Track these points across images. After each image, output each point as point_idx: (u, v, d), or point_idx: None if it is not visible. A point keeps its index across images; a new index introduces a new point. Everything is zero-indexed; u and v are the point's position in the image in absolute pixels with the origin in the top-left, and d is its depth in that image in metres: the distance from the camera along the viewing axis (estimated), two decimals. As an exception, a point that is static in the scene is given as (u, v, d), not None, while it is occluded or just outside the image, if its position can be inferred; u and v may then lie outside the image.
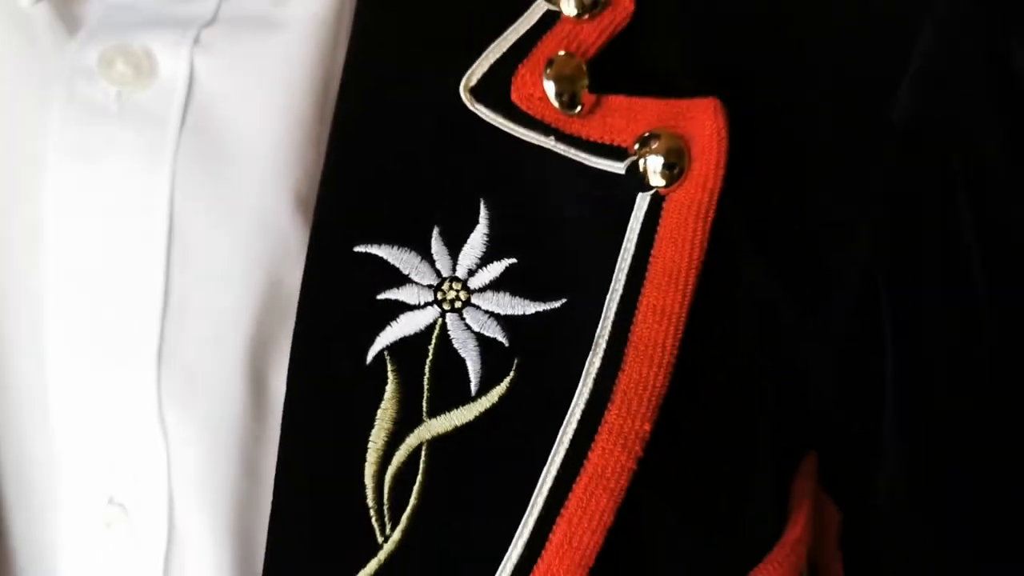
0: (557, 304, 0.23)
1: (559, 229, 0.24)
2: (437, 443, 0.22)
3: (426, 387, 0.23)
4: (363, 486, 0.22)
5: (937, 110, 0.26)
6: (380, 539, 0.22)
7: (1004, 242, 0.26)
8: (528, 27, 0.25)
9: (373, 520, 0.22)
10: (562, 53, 0.24)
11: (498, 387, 0.23)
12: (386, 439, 0.22)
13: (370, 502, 0.22)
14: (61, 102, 0.25)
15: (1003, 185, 0.26)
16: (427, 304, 0.23)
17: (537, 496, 0.22)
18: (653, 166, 0.24)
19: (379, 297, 0.23)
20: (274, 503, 0.23)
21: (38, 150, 0.25)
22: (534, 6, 0.25)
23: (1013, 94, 0.26)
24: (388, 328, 0.23)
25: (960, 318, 0.27)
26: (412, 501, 0.22)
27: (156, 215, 0.24)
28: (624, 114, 0.24)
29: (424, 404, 0.23)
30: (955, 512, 0.28)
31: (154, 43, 0.25)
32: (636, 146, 0.24)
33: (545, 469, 0.22)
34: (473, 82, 0.24)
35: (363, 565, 0.22)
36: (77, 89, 0.25)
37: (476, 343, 0.23)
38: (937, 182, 0.26)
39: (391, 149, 0.24)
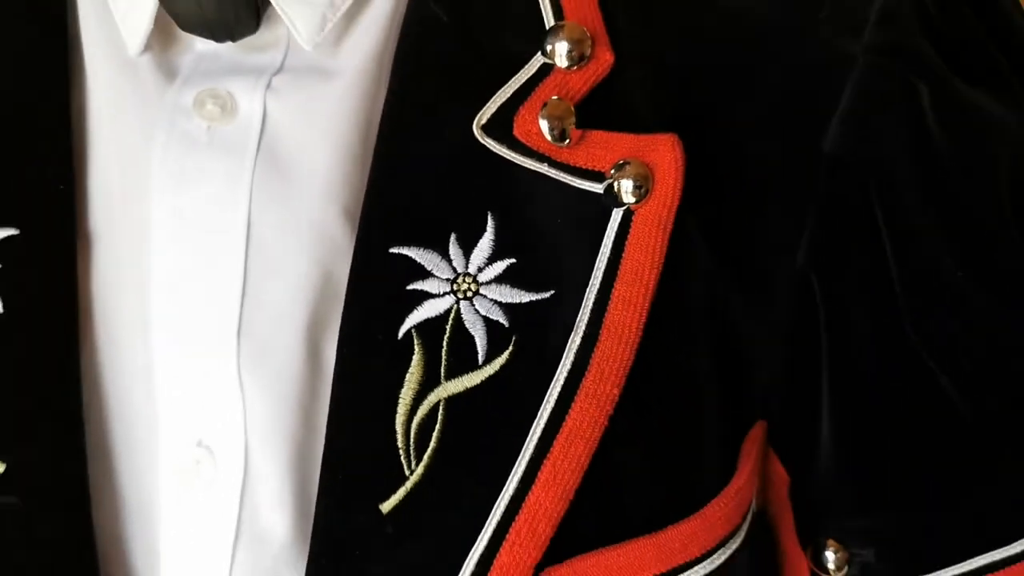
0: (547, 295, 0.29)
1: (549, 236, 0.30)
2: (452, 400, 0.29)
3: (444, 357, 0.29)
4: (394, 432, 0.28)
5: (859, 144, 0.31)
6: (407, 472, 0.28)
7: (913, 247, 0.32)
8: (528, 76, 0.31)
9: (402, 458, 0.28)
10: (555, 98, 0.30)
11: (499, 358, 0.29)
12: (412, 396, 0.29)
13: (399, 444, 0.28)
14: (164, 133, 0.31)
15: (911, 205, 0.31)
16: (445, 293, 0.29)
17: (528, 443, 0.28)
18: (625, 187, 0.30)
19: (408, 287, 0.29)
20: (326, 445, 0.29)
21: (144, 172, 0.32)
22: (534, 59, 0.31)
23: (921, 129, 0.31)
24: (415, 311, 0.29)
25: (878, 307, 0.32)
26: (432, 444, 0.28)
27: (237, 223, 0.30)
28: (603, 146, 0.30)
29: (442, 370, 0.29)
30: (874, 471, 0.34)
31: (236, 88, 0.31)
32: (612, 171, 0.30)
33: (535, 422, 0.29)
34: (484, 121, 0.30)
35: (394, 491, 0.28)
36: (177, 123, 0.31)
37: (483, 324, 0.29)
38: (859, 202, 0.31)
39: (419, 173, 0.30)
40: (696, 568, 0.30)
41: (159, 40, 0.32)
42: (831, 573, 0.35)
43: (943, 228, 0.31)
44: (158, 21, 0.31)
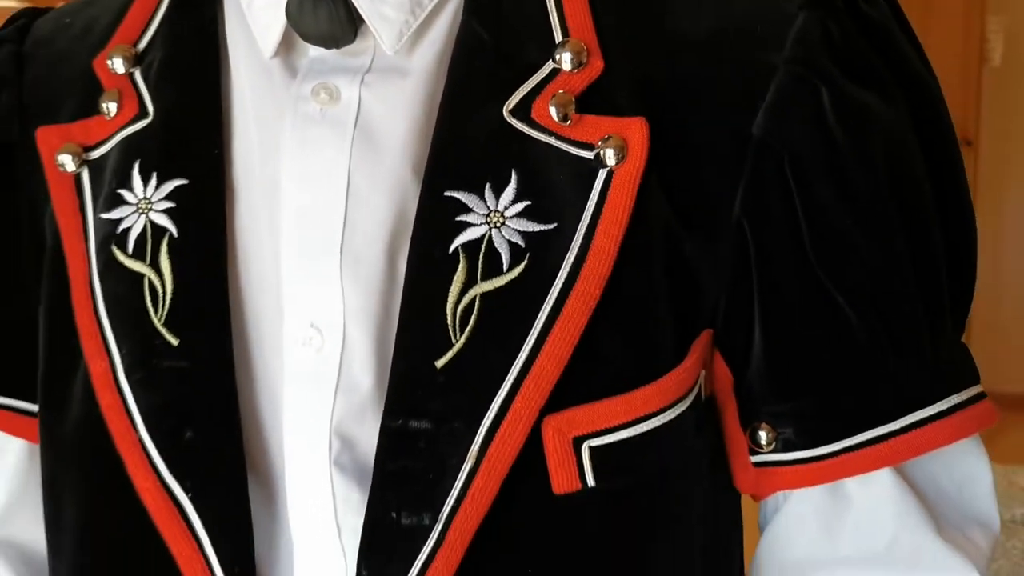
0: (552, 226, 0.42)
1: (554, 187, 0.43)
2: (485, 295, 0.42)
3: (480, 266, 0.42)
4: (444, 315, 0.42)
5: (778, 130, 0.43)
6: (454, 341, 0.41)
7: (816, 204, 0.43)
8: (542, 77, 0.43)
9: (450, 332, 0.42)
10: (561, 91, 0.43)
11: (518, 268, 0.42)
12: (458, 292, 0.42)
13: (448, 323, 0.42)
14: (291, 114, 0.45)
15: (814, 174, 0.43)
16: (481, 223, 0.42)
17: (536, 325, 0.41)
18: (608, 155, 0.42)
19: (456, 219, 0.42)
20: (399, 323, 0.42)
21: (275, 142, 0.45)
22: (546, 65, 0.44)
23: (822, 120, 0.43)
24: (460, 235, 0.42)
25: (793, 247, 0.44)
26: (470, 323, 0.41)
27: (341, 174, 0.43)
28: (594, 126, 0.43)
29: (478, 275, 0.42)
30: (792, 369, 0.46)
31: (340, 82, 0.45)
32: (599, 143, 0.42)
33: (541, 311, 0.41)
34: (511, 107, 0.43)
35: (444, 354, 0.41)
36: (299, 107, 0.45)
37: (507, 245, 0.42)
38: (777, 171, 0.43)
39: (465, 142, 0.43)
40: (652, 420, 0.43)
41: (285, 48, 0.46)
42: (763, 447, 0.47)
43: (837, 191, 0.43)
44: (285, 34, 0.45)
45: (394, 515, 0.41)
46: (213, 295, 0.45)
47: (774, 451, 0.46)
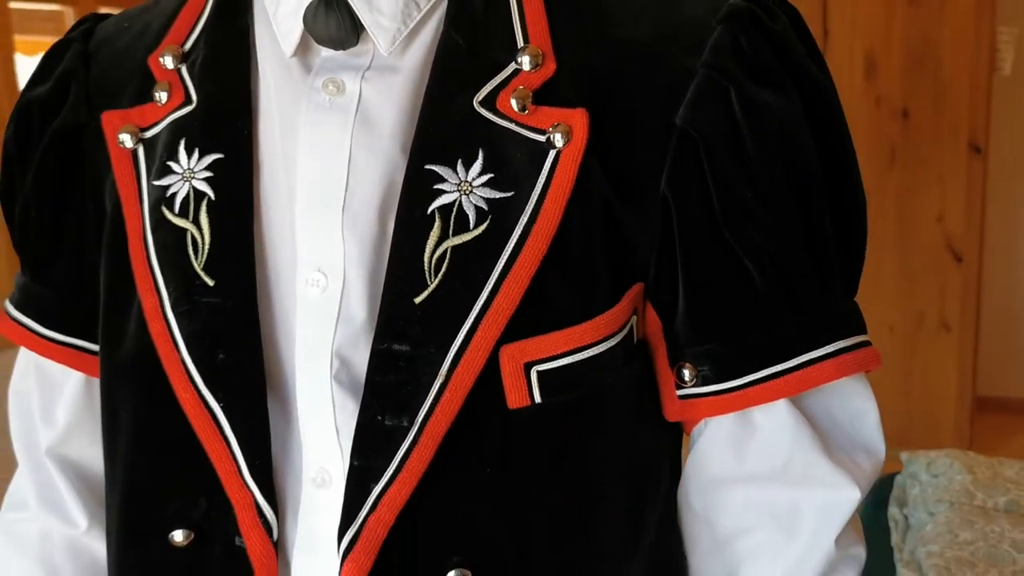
0: (510, 194, 0.53)
1: (513, 163, 0.53)
2: (455, 248, 0.52)
3: (451, 224, 0.52)
4: (422, 262, 0.52)
5: (695, 121, 0.53)
6: (429, 283, 0.52)
7: (725, 182, 0.54)
8: (506, 75, 0.54)
9: (427, 276, 0.52)
10: (521, 87, 0.53)
11: (481, 226, 0.52)
12: (434, 244, 0.52)
13: (425, 268, 0.52)
14: (306, 102, 0.56)
15: (723, 157, 0.53)
16: (454, 191, 0.53)
17: (494, 272, 0.52)
18: (556, 138, 0.53)
19: (434, 187, 0.53)
20: (388, 269, 0.53)
21: (293, 124, 0.56)
22: (510, 65, 0.54)
23: (731, 113, 0.53)
24: (436, 200, 0.53)
25: (707, 217, 0.54)
26: (443, 269, 0.52)
27: (344, 150, 0.54)
28: (546, 115, 0.53)
29: (450, 231, 0.52)
30: (707, 316, 0.56)
31: (345, 77, 0.56)
32: (550, 129, 0.53)
33: (499, 261, 0.52)
34: (480, 98, 0.54)
35: (421, 292, 0.52)
36: (312, 97, 0.56)
37: (473, 208, 0.53)
38: (694, 155, 0.54)
39: (443, 126, 0.54)
40: (587, 350, 0.53)
41: (302, 49, 0.57)
42: (686, 383, 0.57)
43: (740, 169, 0.54)
44: (302, 39, 0.56)
45: (379, 418, 0.52)
46: (242, 246, 0.56)
47: (694, 385, 0.56)
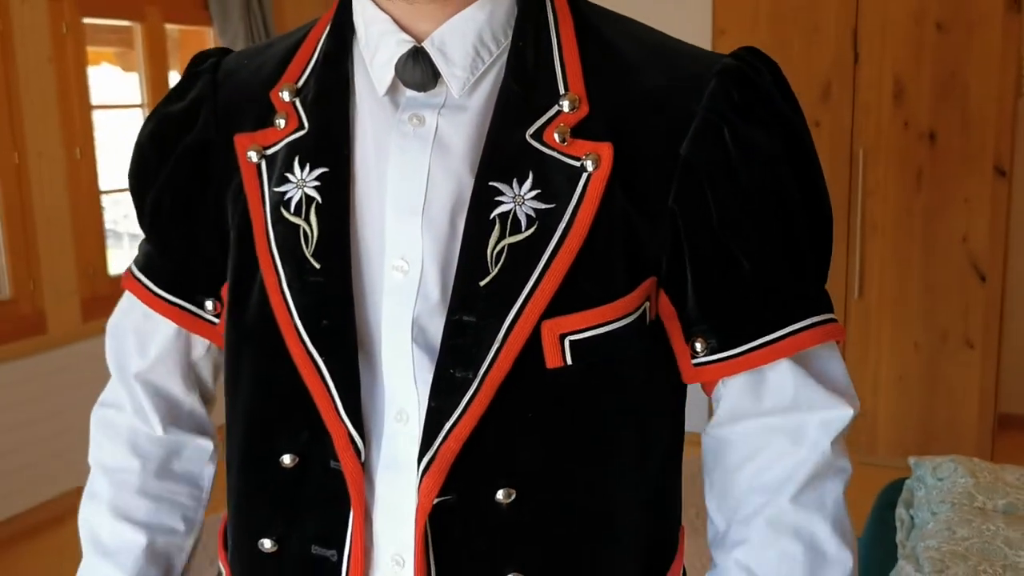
0: (552, 206, 0.67)
1: (554, 182, 0.68)
2: (511, 245, 0.67)
3: (508, 228, 0.67)
4: (486, 255, 0.67)
5: (697, 154, 0.68)
6: (490, 270, 0.66)
7: (722, 202, 0.68)
8: (551, 115, 0.68)
9: (488, 265, 0.66)
10: (562, 124, 0.68)
11: (530, 229, 0.67)
12: (495, 242, 0.67)
13: (488, 259, 0.66)
14: (395, 133, 0.71)
15: (720, 183, 0.67)
16: (510, 202, 0.67)
17: (540, 263, 0.66)
18: (588, 164, 0.67)
19: (495, 199, 0.67)
20: (459, 262, 0.67)
21: (385, 150, 0.71)
22: (553, 108, 0.68)
23: (725, 149, 0.67)
24: (497, 208, 0.67)
25: (707, 226, 0.69)
26: (500, 262, 0.66)
27: (424, 169, 0.69)
28: (581, 146, 0.68)
29: (507, 233, 0.67)
30: (711, 301, 0.70)
31: (425, 113, 0.71)
32: (584, 156, 0.67)
33: (543, 256, 0.66)
34: (531, 132, 0.68)
35: (483, 278, 0.66)
36: (400, 128, 0.71)
37: (525, 215, 0.67)
38: (696, 181, 0.68)
39: (502, 153, 0.68)
40: (607, 326, 0.67)
41: (392, 90, 0.72)
42: (699, 353, 0.71)
43: (732, 189, 0.68)
44: (392, 83, 0.71)
45: (451, 371, 0.67)
46: (341, 239, 0.71)
47: (706, 355, 0.71)
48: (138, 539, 0.85)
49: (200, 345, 0.87)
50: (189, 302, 0.82)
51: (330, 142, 0.72)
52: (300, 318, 0.70)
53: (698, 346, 0.71)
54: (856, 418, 0.73)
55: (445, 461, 0.66)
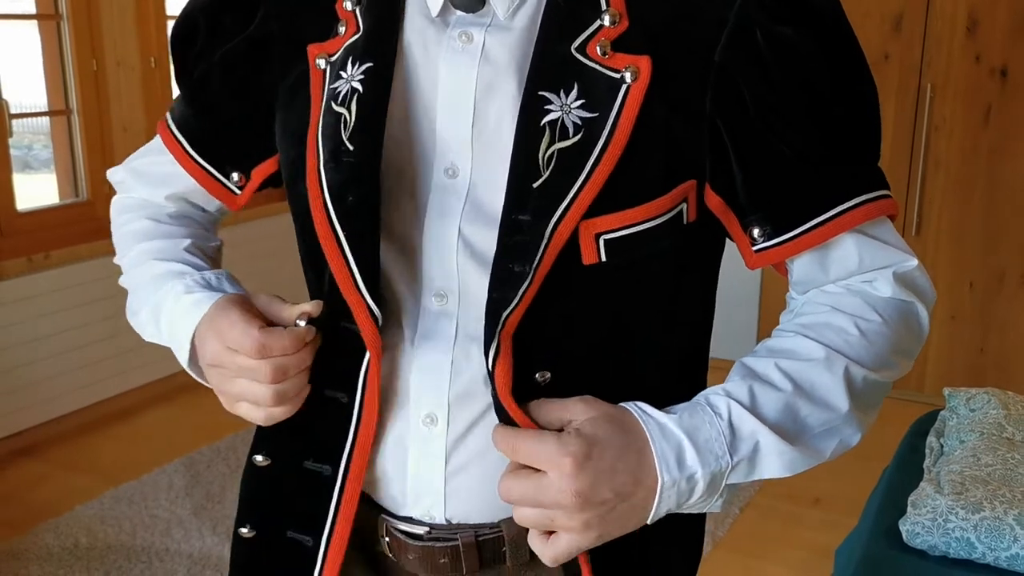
0: (596, 114, 0.72)
1: (596, 93, 0.72)
2: (559, 150, 0.70)
3: (556, 134, 0.71)
4: (538, 159, 0.71)
5: (730, 57, 0.72)
6: (542, 173, 0.70)
7: (758, 99, 0.71)
8: (593, 28, 0.73)
9: (540, 168, 0.71)
10: (603, 39, 0.73)
11: (577, 136, 0.71)
12: (545, 147, 0.70)
13: (539, 164, 0.71)
14: (445, 48, 0.77)
15: (755, 81, 0.71)
16: (558, 111, 0.71)
17: (585, 168, 0.69)
18: (627, 76, 0.72)
19: (544, 107, 0.72)
20: (510, 166, 0.72)
21: (435, 64, 0.77)
22: (596, 22, 0.73)
23: (757, 49, 0.71)
24: (546, 116, 0.71)
25: (748, 123, 0.72)
26: (551, 165, 0.71)
27: (472, 81, 0.75)
28: (622, 59, 0.72)
29: (556, 138, 0.70)
30: (760, 190, 0.74)
31: (473, 31, 0.76)
32: (624, 69, 0.72)
33: (588, 161, 0.70)
34: (575, 46, 0.73)
35: (536, 180, 0.71)
36: (450, 44, 0.77)
37: (571, 123, 0.71)
38: (731, 82, 0.72)
39: (548, 66, 0.73)
40: (638, 226, 0.72)
41: (442, 10, 0.78)
42: (757, 240, 0.74)
43: (766, 87, 0.72)
44: (444, 3, 0.78)
45: (510, 266, 0.72)
46: (375, 124, 0.76)
47: (764, 241, 0.74)
48: (182, 239, 0.93)
49: (215, 205, 0.95)
50: (217, 170, 0.89)
51: (378, 41, 0.78)
52: (329, 194, 0.75)
53: (756, 232, 0.75)
54: (917, 269, 0.78)
55: (507, 346, 0.72)
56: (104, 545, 2.69)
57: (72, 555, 2.64)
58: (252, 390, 0.76)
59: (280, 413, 0.78)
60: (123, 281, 0.94)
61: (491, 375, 0.72)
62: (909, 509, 1.68)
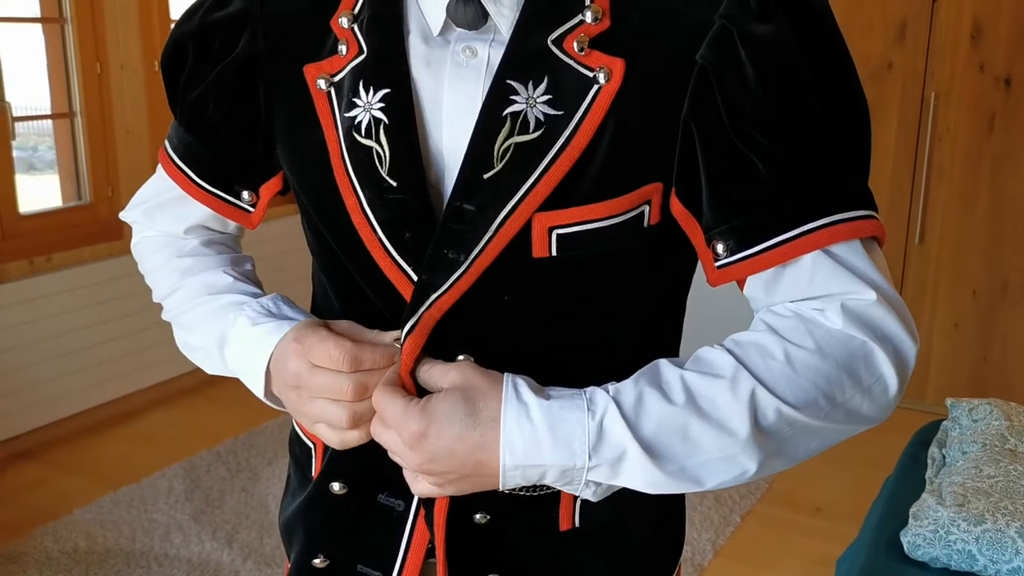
0: (561, 112, 0.70)
1: (566, 90, 0.70)
2: (517, 144, 0.69)
3: (517, 127, 0.69)
4: (492, 152, 0.68)
5: (710, 57, 0.67)
6: (495, 165, 0.69)
7: (733, 99, 0.69)
8: (573, 23, 0.71)
9: (495, 160, 0.69)
10: (582, 35, 0.71)
11: (539, 131, 0.69)
12: (503, 139, 0.69)
13: (494, 156, 0.69)
14: (449, 64, 0.76)
15: (731, 82, 0.69)
16: (523, 103, 0.70)
17: (543, 162, 0.68)
18: (600, 76, 0.69)
19: (510, 97, 0.69)
20: (467, 150, 0.71)
21: (440, 80, 0.76)
22: (576, 17, 0.71)
23: (735, 49, 0.68)
24: (509, 107, 0.69)
25: (720, 129, 0.69)
26: (506, 157, 0.69)
27: (479, 97, 0.74)
28: (596, 58, 0.70)
29: (515, 131, 0.69)
30: (726, 203, 0.69)
31: (477, 46, 0.76)
32: (597, 68, 0.70)
33: (549, 154, 0.68)
34: (551, 39, 0.71)
35: (488, 171, 0.69)
36: (454, 59, 0.76)
37: (534, 118, 0.69)
38: (708, 83, 0.67)
39: (522, 59, 0.71)
40: (593, 224, 0.70)
41: (444, 28, 0.77)
42: (720, 255, 0.70)
43: (743, 91, 0.69)
44: (446, 21, 0.77)
45: (445, 251, 0.71)
46: (413, 155, 0.75)
47: (727, 256, 0.71)
48: (222, 268, 0.93)
49: (233, 225, 0.94)
50: (226, 192, 0.88)
51: (389, 63, 0.77)
52: (384, 232, 0.75)
53: (719, 248, 0.71)
54: (876, 304, 0.70)
55: (426, 327, 0.73)
56: (103, 549, 2.69)
57: (71, 559, 2.64)
58: (329, 411, 0.76)
59: (354, 437, 0.77)
60: (170, 317, 0.94)
61: (400, 351, 0.74)
62: (911, 520, 1.68)
